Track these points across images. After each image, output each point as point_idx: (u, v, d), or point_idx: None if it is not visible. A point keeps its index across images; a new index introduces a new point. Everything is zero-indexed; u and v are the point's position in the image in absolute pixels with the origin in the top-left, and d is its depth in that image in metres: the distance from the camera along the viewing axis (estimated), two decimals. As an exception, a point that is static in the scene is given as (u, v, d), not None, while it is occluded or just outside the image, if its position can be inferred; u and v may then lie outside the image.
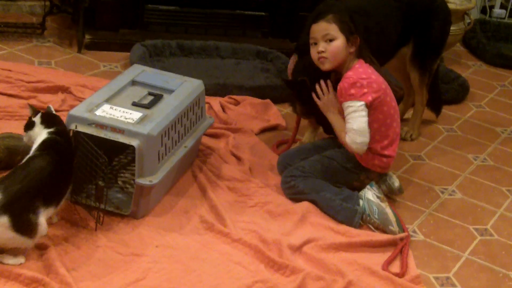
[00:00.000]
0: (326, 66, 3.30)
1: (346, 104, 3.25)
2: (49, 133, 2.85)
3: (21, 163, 2.75)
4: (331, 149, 3.48)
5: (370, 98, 3.22)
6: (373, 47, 3.45)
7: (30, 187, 2.62)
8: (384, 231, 3.27)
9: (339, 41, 3.25)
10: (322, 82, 3.36)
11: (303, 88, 3.43)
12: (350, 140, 3.26)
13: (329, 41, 3.25)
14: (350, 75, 3.25)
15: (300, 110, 3.65)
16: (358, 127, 3.24)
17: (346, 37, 3.25)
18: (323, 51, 3.26)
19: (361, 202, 3.31)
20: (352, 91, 3.22)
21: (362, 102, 3.22)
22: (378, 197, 3.33)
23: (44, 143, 2.81)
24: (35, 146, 2.82)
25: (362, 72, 3.25)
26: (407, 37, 3.96)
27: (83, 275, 2.67)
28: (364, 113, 3.23)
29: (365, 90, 3.22)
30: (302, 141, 3.87)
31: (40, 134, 2.86)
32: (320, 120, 3.57)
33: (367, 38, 3.43)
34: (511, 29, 6.26)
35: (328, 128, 3.54)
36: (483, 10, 6.56)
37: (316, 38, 3.29)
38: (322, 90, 3.36)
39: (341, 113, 3.33)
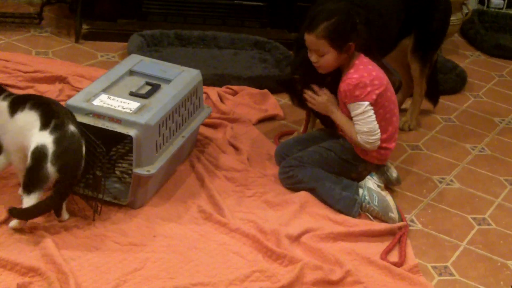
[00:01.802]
0: (321, 72, 3.32)
1: (352, 105, 3.25)
2: (6, 95, 2.89)
3: (25, 106, 2.79)
4: (329, 140, 3.47)
5: (374, 97, 3.22)
6: (374, 39, 3.44)
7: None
8: (383, 220, 3.27)
9: (330, 55, 3.23)
10: (308, 92, 3.37)
11: (295, 85, 3.43)
12: (362, 141, 3.28)
13: (320, 55, 3.24)
14: (352, 75, 3.23)
15: (297, 103, 3.64)
16: (369, 128, 3.25)
17: (338, 50, 3.21)
18: (315, 62, 3.27)
19: (360, 191, 3.31)
20: (357, 92, 3.22)
21: (368, 102, 3.22)
22: (378, 186, 3.34)
23: (14, 98, 2.87)
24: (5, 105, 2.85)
25: (363, 69, 3.24)
26: (409, 29, 3.94)
27: (80, 265, 2.67)
28: (371, 112, 3.24)
29: (369, 89, 3.21)
30: (300, 132, 3.87)
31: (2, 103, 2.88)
32: (318, 114, 3.56)
33: (368, 31, 3.42)
34: (509, 19, 6.24)
35: (326, 121, 3.53)
36: (481, 1, 6.55)
37: (309, 47, 3.28)
38: (312, 95, 3.37)
39: (343, 111, 3.32)
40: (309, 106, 3.39)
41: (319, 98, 3.36)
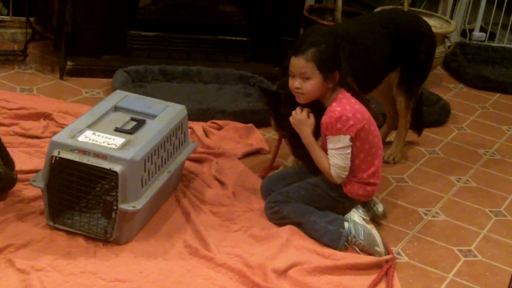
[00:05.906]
0: (301, 101, 3.30)
1: (333, 138, 3.25)
2: None
3: None
4: (315, 175, 3.45)
5: (355, 130, 3.23)
6: (360, 74, 3.45)
7: None
8: (370, 253, 3.27)
9: (315, 80, 3.22)
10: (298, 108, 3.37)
11: (277, 101, 3.42)
12: (336, 175, 3.29)
13: (305, 79, 3.25)
14: (334, 108, 3.23)
15: (275, 124, 3.61)
16: (345, 164, 3.27)
17: (324, 76, 3.22)
18: (298, 87, 3.27)
19: (346, 224, 3.31)
20: (339, 125, 3.22)
21: (349, 136, 3.23)
22: (364, 219, 3.33)
23: None
24: None
25: (346, 102, 3.25)
26: (395, 63, 3.97)
27: (66, 302, 2.65)
28: (350, 148, 3.25)
29: (351, 122, 3.22)
30: (286, 165, 3.87)
31: None
32: (294, 146, 3.54)
33: (354, 65, 3.44)
34: (491, 51, 6.31)
35: (301, 153, 3.50)
36: (463, 33, 6.62)
37: (293, 72, 3.26)
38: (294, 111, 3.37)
39: (324, 144, 3.32)
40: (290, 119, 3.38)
41: (298, 115, 3.34)
